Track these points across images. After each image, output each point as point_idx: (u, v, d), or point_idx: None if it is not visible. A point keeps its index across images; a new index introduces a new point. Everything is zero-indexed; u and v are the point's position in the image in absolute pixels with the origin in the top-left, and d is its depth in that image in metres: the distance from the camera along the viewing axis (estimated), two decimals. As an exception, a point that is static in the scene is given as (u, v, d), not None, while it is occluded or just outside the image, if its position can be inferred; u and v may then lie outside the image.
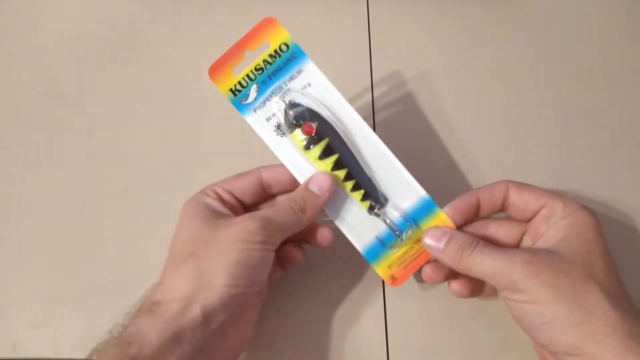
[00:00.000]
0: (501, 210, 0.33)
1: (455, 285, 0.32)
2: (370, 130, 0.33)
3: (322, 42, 0.44)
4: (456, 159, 0.41)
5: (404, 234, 0.33)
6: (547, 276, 0.27)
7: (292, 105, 0.32)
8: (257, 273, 0.30)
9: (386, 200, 0.33)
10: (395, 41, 0.47)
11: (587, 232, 0.29)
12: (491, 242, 0.33)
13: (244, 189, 0.33)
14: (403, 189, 0.33)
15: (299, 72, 0.33)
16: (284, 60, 0.33)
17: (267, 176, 0.33)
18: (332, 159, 0.33)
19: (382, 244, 0.33)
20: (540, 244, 0.30)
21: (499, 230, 0.33)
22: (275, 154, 0.33)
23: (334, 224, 0.33)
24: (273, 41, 0.33)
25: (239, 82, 0.33)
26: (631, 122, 0.43)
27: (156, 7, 0.51)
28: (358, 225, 0.33)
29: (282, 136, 0.33)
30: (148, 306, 0.28)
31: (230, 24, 0.49)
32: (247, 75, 0.33)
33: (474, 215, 0.33)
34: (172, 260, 0.30)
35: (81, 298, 0.37)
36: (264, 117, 0.33)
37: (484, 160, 0.41)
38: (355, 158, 0.33)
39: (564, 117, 0.43)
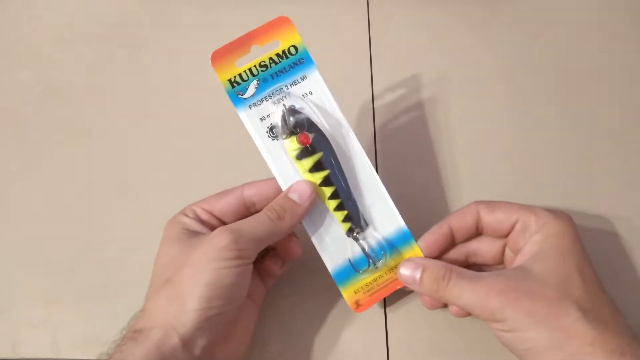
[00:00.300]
0: (478, 234, 0.33)
1: (455, 307, 0.32)
2: (363, 153, 0.32)
3: (321, 42, 0.44)
4: (458, 164, 0.41)
5: (379, 261, 0.32)
6: (524, 304, 0.27)
7: (293, 111, 0.32)
8: (234, 291, 0.29)
9: (366, 224, 0.32)
10: (395, 41, 0.47)
11: (562, 242, 0.29)
12: (475, 258, 0.33)
13: (224, 208, 0.32)
14: (385, 217, 0.33)
15: (303, 78, 0.32)
16: (290, 63, 0.32)
17: (250, 194, 0.32)
18: (322, 174, 0.32)
19: (354, 268, 0.32)
20: (519, 259, 0.30)
21: (480, 245, 0.33)
22: (263, 156, 0.32)
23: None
24: (283, 41, 0.32)
25: (240, 75, 0.31)
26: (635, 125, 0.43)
27: (156, 7, 0.51)
28: (333, 245, 0.32)
29: (273, 139, 0.32)
30: (131, 334, 0.28)
31: (230, 24, 0.49)
32: (250, 70, 0.31)
33: (450, 244, 0.33)
34: (152, 287, 0.30)
35: (81, 298, 0.37)
36: (258, 116, 0.32)
37: (485, 166, 0.41)
38: (344, 177, 0.32)
39: (569, 122, 0.43)
